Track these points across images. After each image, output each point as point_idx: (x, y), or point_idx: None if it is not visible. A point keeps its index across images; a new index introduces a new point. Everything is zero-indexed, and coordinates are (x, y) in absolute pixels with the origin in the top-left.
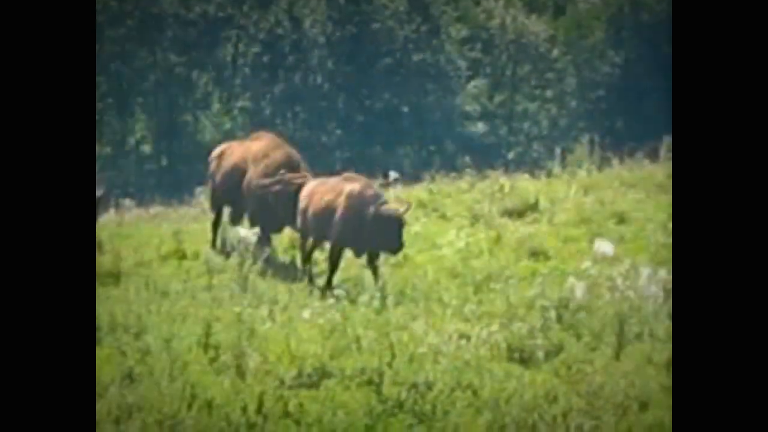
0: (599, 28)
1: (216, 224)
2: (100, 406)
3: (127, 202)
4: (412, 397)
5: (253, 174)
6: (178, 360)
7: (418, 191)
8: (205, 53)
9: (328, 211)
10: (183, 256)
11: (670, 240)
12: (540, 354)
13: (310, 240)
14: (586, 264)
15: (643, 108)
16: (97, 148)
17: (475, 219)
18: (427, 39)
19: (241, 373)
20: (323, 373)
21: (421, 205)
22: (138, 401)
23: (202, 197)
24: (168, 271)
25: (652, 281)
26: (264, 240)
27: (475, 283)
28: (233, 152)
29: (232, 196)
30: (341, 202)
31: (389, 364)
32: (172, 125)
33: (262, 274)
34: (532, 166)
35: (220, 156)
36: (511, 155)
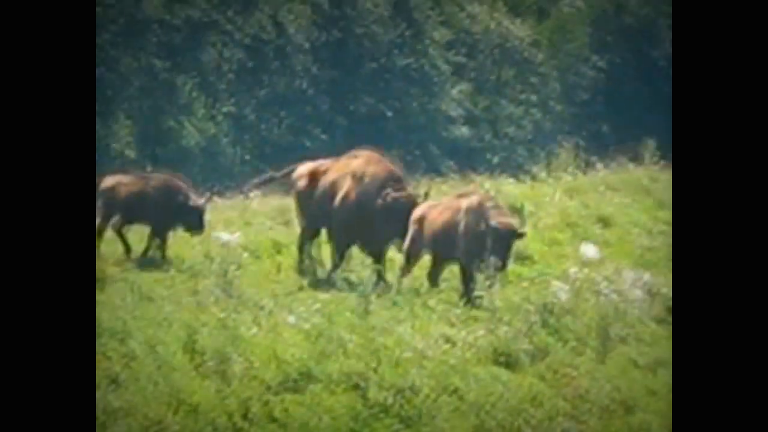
0: (583, 32)
1: (303, 245)
2: None
3: None
4: (398, 402)
5: (350, 190)
6: (163, 365)
7: None
8: (189, 58)
9: (449, 229)
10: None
11: (654, 243)
12: (525, 358)
13: (426, 258)
14: (571, 268)
15: (627, 112)
16: None
17: None
18: (411, 43)
19: (226, 378)
20: (308, 378)
21: None
22: (123, 406)
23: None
24: (152, 276)
25: (636, 284)
26: (340, 258)
27: (459, 287)
28: (330, 170)
29: (324, 214)
30: (461, 218)
31: (374, 369)
32: (157, 130)
33: (246, 278)
34: (516, 170)
35: (312, 174)
36: (495, 159)
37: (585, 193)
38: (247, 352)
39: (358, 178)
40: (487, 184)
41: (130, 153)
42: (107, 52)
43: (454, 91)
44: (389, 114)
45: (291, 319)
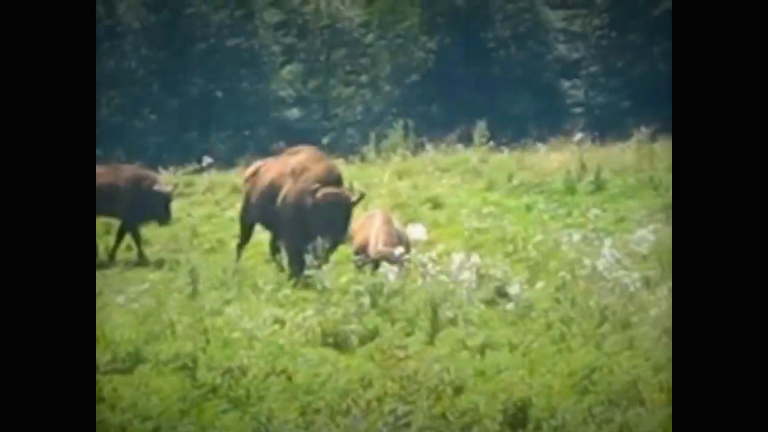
0: (414, 13)
1: (243, 244)
2: None
3: None
4: (227, 382)
5: (290, 189)
6: None
7: (233, 177)
8: None
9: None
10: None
11: (483, 224)
12: (354, 339)
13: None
14: (399, 249)
15: (457, 94)
16: None
17: None
18: (242, 24)
19: None
20: (137, 359)
21: (236, 190)
22: None
23: None
24: None
25: (464, 266)
26: (296, 259)
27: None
28: (269, 168)
29: (268, 214)
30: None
31: (203, 349)
32: None
33: None
34: (346, 151)
35: (255, 174)
36: (325, 140)
37: (415, 175)
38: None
39: (297, 176)
40: None
41: None
42: None
43: (284, 72)
44: (219, 95)
45: (120, 299)
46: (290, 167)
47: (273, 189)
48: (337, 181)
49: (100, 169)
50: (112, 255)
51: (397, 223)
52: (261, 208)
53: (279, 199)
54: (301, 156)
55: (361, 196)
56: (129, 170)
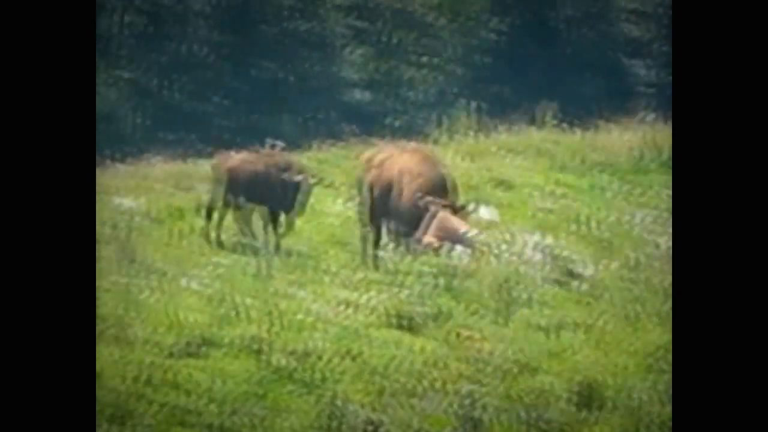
0: None
1: (366, 236)
2: None
3: None
4: (299, 366)
5: (402, 191)
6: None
7: (303, 160)
8: None
9: None
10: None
11: (553, 206)
12: (427, 321)
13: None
14: (471, 231)
15: (527, 75)
16: None
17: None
18: (311, 8)
19: (128, 343)
20: (210, 343)
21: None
22: None
23: None
24: None
25: (536, 247)
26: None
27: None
28: (393, 164)
29: (387, 207)
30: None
31: (276, 333)
32: None
33: (148, 244)
34: (417, 133)
35: (381, 165)
36: (396, 123)
37: (485, 156)
38: (149, 317)
39: (408, 179)
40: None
41: None
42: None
43: (354, 56)
44: (290, 79)
45: (192, 284)
46: (407, 168)
47: (390, 185)
48: (443, 188)
49: (246, 156)
50: (278, 244)
51: (454, 219)
52: (384, 202)
53: (393, 197)
54: (414, 158)
55: (462, 207)
56: (275, 157)
